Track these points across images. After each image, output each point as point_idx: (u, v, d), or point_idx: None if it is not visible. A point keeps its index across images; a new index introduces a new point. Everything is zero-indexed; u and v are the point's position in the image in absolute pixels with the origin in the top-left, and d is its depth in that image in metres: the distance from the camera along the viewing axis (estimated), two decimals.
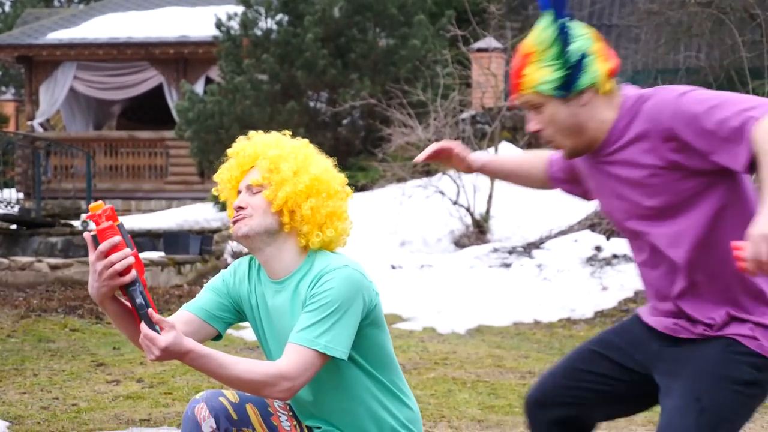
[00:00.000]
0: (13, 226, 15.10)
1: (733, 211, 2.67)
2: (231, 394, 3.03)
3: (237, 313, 3.11)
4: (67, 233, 14.77)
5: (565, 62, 2.69)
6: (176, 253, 11.43)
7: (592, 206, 12.55)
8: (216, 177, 3.12)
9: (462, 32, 14.31)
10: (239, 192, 3.04)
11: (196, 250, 11.44)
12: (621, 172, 2.74)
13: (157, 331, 2.70)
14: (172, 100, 20.69)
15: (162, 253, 11.70)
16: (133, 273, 2.73)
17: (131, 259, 2.73)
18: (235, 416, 3.00)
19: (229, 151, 3.10)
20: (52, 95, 21.55)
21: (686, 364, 2.71)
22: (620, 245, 10.99)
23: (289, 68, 15.47)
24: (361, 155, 15.75)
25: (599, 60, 2.72)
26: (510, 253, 11.39)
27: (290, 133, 3.11)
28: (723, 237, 2.66)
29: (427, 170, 13.36)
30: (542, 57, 2.70)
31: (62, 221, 15.67)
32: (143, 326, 2.70)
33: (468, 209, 12.71)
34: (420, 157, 3.23)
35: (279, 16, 16.14)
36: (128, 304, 2.82)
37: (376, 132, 14.96)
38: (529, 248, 11.51)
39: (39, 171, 17.61)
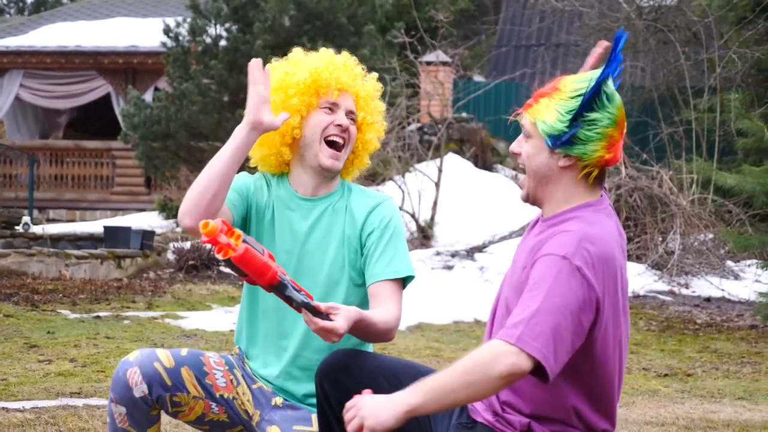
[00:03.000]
0: None
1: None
2: (166, 358, 2.98)
3: (243, 220, 3.11)
4: (7, 236, 14.53)
5: (572, 121, 2.59)
6: (116, 248, 11.27)
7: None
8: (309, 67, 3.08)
9: (410, 39, 14.40)
10: (330, 104, 3.08)
11: (137, 244, 11.29)
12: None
13: (327, 319, 2.68)
14: (119, 110, 20.51)
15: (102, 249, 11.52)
16: (279, 278, 2.64)
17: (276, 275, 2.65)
18: (169, 382, 2.95)
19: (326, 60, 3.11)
20: None
21: None
22: None
23: (237, 75, 15.40)
24: None
25: (602, 144, 2.59)
26: (453, 256, 11.43)
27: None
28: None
29: (372, 176, 13.38)
30: (560, 100, 2.61)
31: (2, 223, 15.43)
32: (314, 319, 2.66)
33: (413, 215, 12.74)
34: None
35: (228, 24, 16.10)
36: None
37: None
38: (471, 252, 11.56)
39: None
